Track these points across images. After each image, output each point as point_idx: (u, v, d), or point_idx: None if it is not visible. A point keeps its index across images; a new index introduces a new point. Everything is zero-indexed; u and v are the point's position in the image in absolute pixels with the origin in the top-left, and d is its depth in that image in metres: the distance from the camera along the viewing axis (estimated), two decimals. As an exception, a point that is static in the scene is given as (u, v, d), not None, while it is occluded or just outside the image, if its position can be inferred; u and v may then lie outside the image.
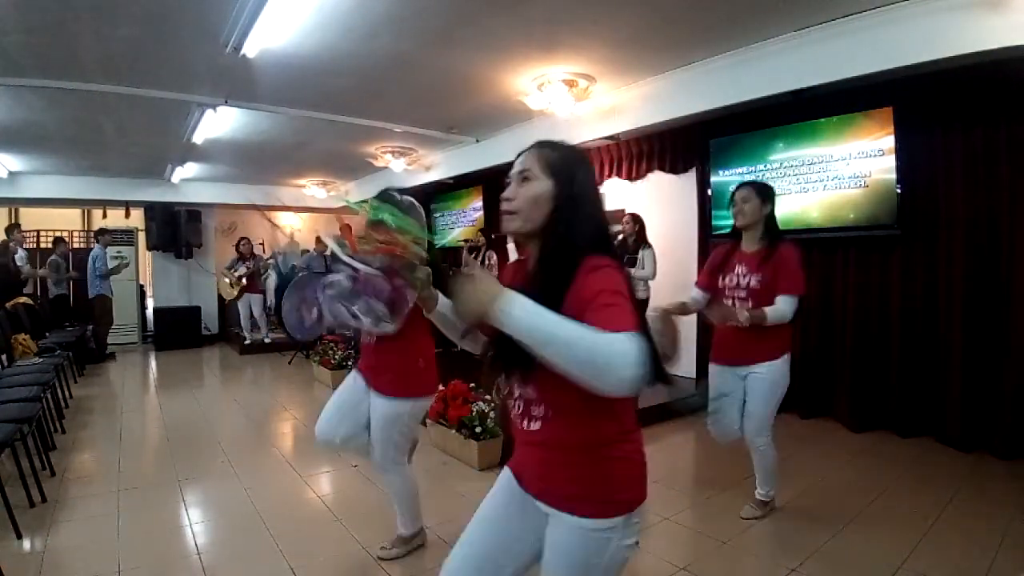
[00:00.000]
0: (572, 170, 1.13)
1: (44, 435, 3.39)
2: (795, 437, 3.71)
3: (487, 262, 6.19)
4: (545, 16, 3.13)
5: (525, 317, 0.91)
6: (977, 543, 2.31)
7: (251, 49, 3.30)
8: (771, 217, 2.44)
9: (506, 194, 1.15)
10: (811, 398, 4.12)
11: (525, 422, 1.15)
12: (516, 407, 1.17)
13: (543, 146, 1.16)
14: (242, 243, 7.44)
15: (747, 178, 4.36)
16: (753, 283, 2.38)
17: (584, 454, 1.09)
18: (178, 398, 5.32)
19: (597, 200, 1.16)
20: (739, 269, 2.43)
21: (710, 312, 2.47)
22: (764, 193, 2.42)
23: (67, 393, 4.70)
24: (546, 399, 1.10)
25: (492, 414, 3.29)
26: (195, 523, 2.67)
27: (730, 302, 2.44)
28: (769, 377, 2.43)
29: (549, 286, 1.03)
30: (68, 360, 5.11)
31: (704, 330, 4.60)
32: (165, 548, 2.41)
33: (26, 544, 2.40)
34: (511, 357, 1.06)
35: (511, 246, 4.37)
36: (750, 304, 2.37)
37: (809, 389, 4.10)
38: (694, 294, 2.59)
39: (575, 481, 1.09)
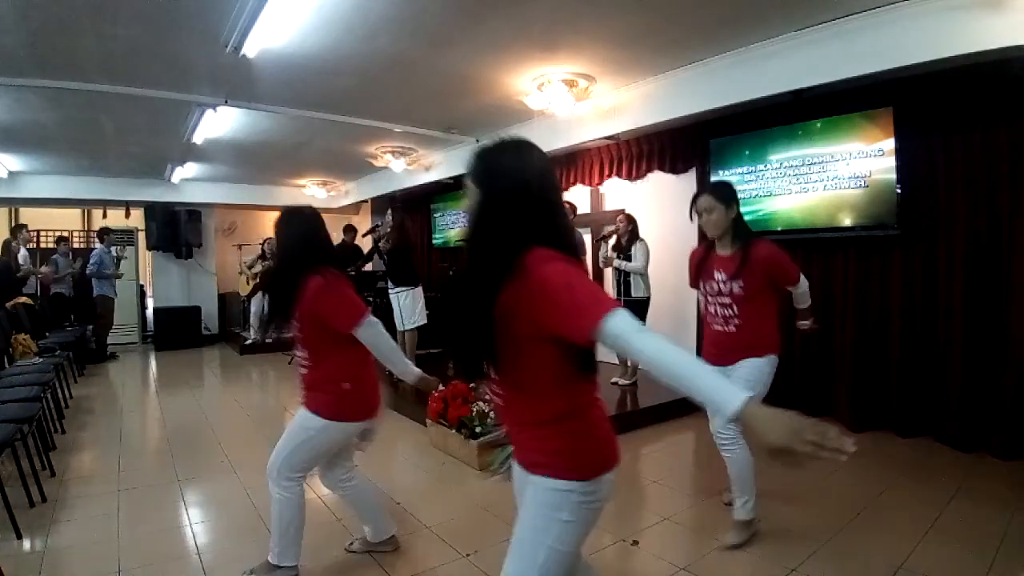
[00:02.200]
0: (490, 175, 1.21)
1: (44, 435, 3.39)
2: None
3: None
4: (545, 16, 3.13)
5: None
6: (977, 543, 2.31)
7: (251, 49, 3.30)
8: (738, 218, 2.38)
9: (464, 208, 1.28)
10: (811, 398, 4.12)
11: (496, 400, 1.31)
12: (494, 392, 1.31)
13: (473, 157, 1.24)
14: (266, 243, 7.64)
15: (747, 178, 4.39)
16: (736, 289, 2.34)
17: (541, 429, 1.22)
18: (178, 398, 5.32)
19: (528, 195, 1.18)
20: (718, 276, 2.39)
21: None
22: (726, 197, 2.35)
23: (67, 393, 4.71)
24: (502, 387, 1.26)
25: (492, 414, 3.29)
26: (195, 523, 2.67)
27: (714, 309, 2.42)
28: (746, 372, 2.34)
29: (481, 278, 1.17)
30: (68, 360, 5.12)
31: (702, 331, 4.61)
32: (165, 548, 2.41)
33: (26, 544, 2.41)
34: (468, 364, 1.27)
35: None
36: (735, 309, 2.36)
37: (809, 389, 4.10)
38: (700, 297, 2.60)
39: (537, 451, 1.24)
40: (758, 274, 2.32)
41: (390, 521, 2.38)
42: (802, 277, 2.47)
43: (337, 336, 1.99)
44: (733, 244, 2.38)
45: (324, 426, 2.03)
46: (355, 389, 2.06)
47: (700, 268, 2.48)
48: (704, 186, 2.54)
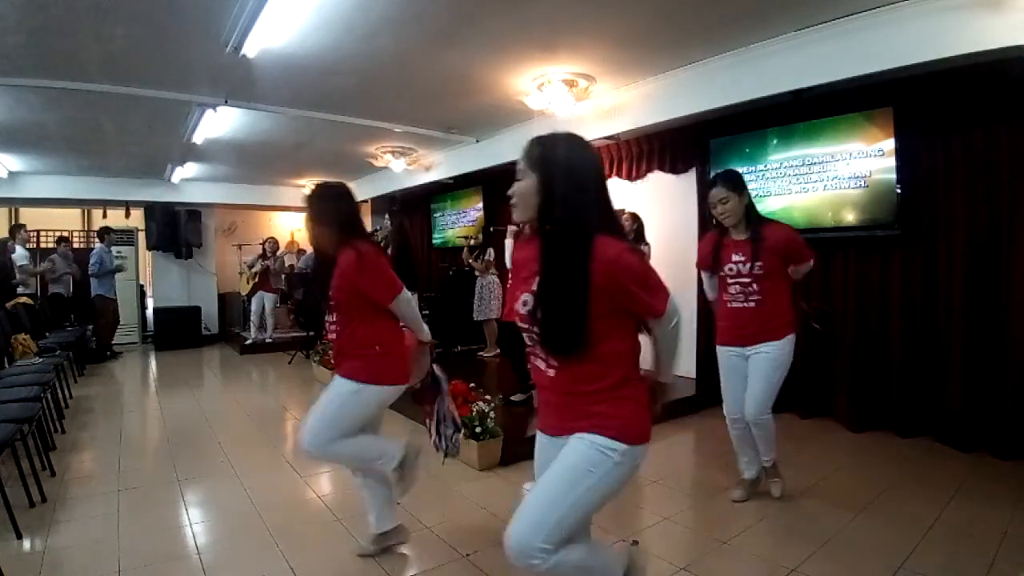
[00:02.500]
0: (551, 163, 1.30)
1: (44, 435, 3.39)
2: (795, 437, 3.71)
3: (486, 259, 6.20)
4: (545, 16, 3.13)
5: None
6: (977, 543, 2.31)
7: (251, 49, 3.30)
8: (750, 203, 2.54)
9: (510, 191, 1.37)
10: (811, 398, 4.12)
11: (550, 369, 1.37)
12: (539, 356, 1.39)
13: (530, 143, 1.35)
14: (268, 242, 7.75)
15: (747, 178, 4.37)
16: (756, 270, 2.48)
17: (598, 394, 1.32)
18: (178, 398, 5.32)
19: (588, 184, 1.31)
20: (736, 258, 2.52)
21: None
22: (737, 186, 2.51)
23: (67, 393, 4.70)
24: (560, 358, 1.34)
25: (492, 414, 3.29)
26: (195, 523, 2.67)
27: (734, 289, 2.55)
28: (770, 356, 2.52)
29: (561, 263, 1.27)
30: (68, 360, 5.12)
31: (706, 330, 4.61)
32: (165, 548, 2.41)
33: (26, 544, 2.41)
34: (561, 339, 1.32)
35: (508, 242, 4.37)
36: (755, 287, 2.49)
37: (809, 389, 4.10)
38: (707, 284, 2.73)
39: (588, 414, 1.33)
40: (775, 254, 2.47)
41: (394, 511, 2.37)
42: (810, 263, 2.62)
43: (371, 304, 2.09)
44: (748, 228, 2.52)
45: (358, 389, 2.09)
46: (386, 352, 2.13)
47: (716, 253, 2.59)
48: (713, 177, 2.63)
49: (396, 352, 2.18)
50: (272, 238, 7.99)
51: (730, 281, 2.56)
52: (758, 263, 2.46)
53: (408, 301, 2.15)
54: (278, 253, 7.73)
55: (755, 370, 2.56)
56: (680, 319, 1.36)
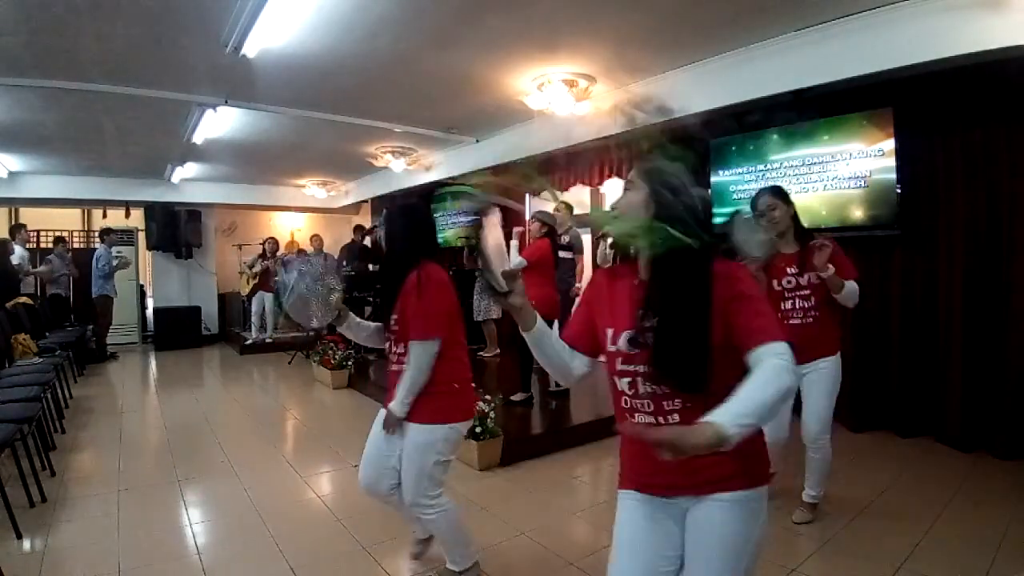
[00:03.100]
0: (666, 175, 1.18)
1: (44, 435, 3.39)
2: (795, 437, 3.69)
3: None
4: (545, 16, 3.13)
5: (743, 422, 0.96)
6: (977, 543, 2.31)
7: (251, 49, 3.30)
8: (796, 216, 2.52)
9: (613, 203, 1.25)
10: (811, 398, 4.12)
11: (659, 419, 1.17)
12: (640, 408, 1.19)
13: (644, 159, 1.24)
14: (267, 242, 7.75)
15: (747, 178, 4.39)
16: (813, 279, 2.44)
17: None
18: (178, 398, 5.32)
19: (697, 204, 1.19)
20: (790, 270, 2.48)
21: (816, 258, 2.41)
22: (785, 196, 2.51)
23: (67, 393, 4.71)
24: (687, 399, 1.14)
25: (492, 414, 3.29)
26: (195, 523, 2.67)
27: (792, 303, 2.49)
28: (829, 372, 2.50)
29: (683, 285, 1.13)
30: (68, 360, 5.12)
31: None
32: (165, 548, 2.41)
33: (26, 544, 2.41)
34: (687, 373, 1.12)
35: (514, 243, 4.38)
36: (813, 301, 2.46)
37: (809, 389, 4.09)
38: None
39: (723, 463, 1.11)
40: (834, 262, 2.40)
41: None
42: (856, 286, 2.45)
43: (449, 340, 1.97)
44: (795, 241, 2.49)
45: (446, 434, 1.97)
46: (463, 390, 2.05)
47: (767, 268, 2.50)
48: (760, 191, 2.59)
49: (469, 387, 2.10)
50: (272, 238, 8.00)
51: (787, 295, 2.48)
52: (813, 274, 2.40)
53: (431, 354, 1.93)
54: (278, 254, 7.74)
55: (813, 387, 2.50)
56: (788, 377, 1.04)
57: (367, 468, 2.08)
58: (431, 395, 1.96)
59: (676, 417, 1.14)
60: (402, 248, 2.04)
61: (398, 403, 1.95)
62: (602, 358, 1.29)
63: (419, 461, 1.95)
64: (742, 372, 1.11)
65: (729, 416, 0.96)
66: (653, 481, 1.21)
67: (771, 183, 4.24)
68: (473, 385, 2.15)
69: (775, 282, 2.51)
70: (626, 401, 1.21)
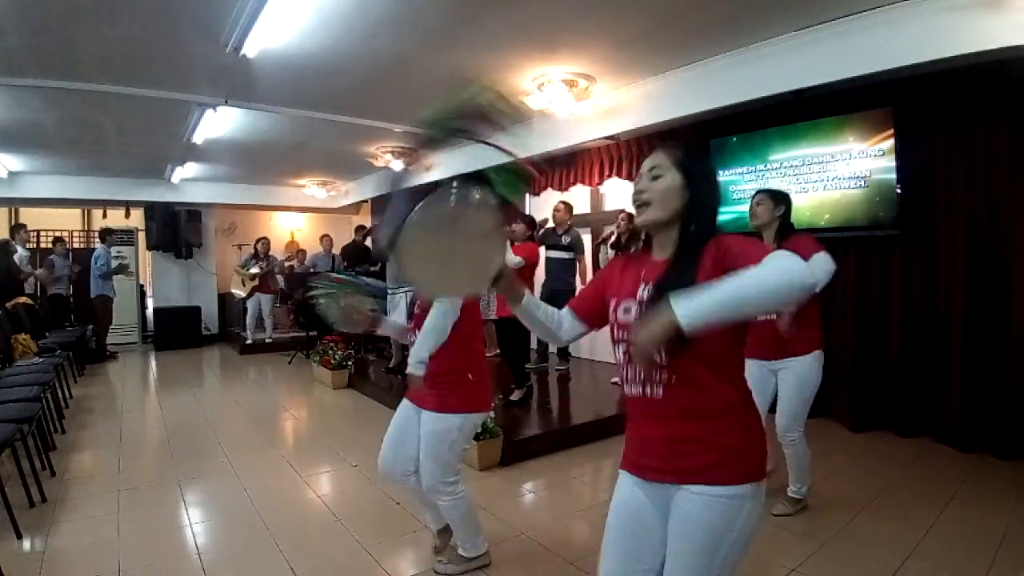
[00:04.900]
0: (696, 165, 1.23)
1: (44, 435, 3.40)
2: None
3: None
4: (545, 16, 3.13)
5: (707, 309, 0.98)
6: (977, 543, 2.31)
7: (251, 49, 3.30)
8: (784, 219, 2.58)
9: (638, 187, 1.26)
10: (811, 398, 4.12)
11: (647, 389, 1.18)
12: (631, 378, 1.21)
13: (669, 147, 1.28)
14: (260, 243, 7.68)
15: (747, 178, 4.40)
16: None
17: (713, 421, 1.13)
18: (178, 398, 5.32)
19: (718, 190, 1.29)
20: None
21: None
22: (777, 198, 2.59)
23: (67, 393, 4.71)
24: (675, 367, 1.14)
25: (492, 414, 3.29)
26: (195, 523, 2.67)
27: None
28: (799, 371, 2.51)
29: (690, 265, 1.15)
30: (68, 360, 5.12)
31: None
32: (165, 548, 2.41)
33: (26, 544, 2.41)
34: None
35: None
36: None
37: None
38: None
39: (706, 451, 1.12)
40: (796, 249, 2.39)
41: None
42: (790, 256, 2.45)
43: (457, 327, 2.01)
44: (775, 240, 2.54)
45: (460, 423, 2.04)
46: (479, 380, 2.09)
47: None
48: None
49: (486, 378, 2.14)
50: (265, 238, 7.91)
51: None
52: None
53: (448, 318, 1.99)
54: (270, 255, 7.72)
55: (783, 385, 2.53)
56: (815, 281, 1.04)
57: (386, 450, 2.15)
58: (445, 384, 2.03)
59: (660, 391, 1.16)
60: None
61: (413, 361, 2.01)
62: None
63: (434, 448, 2.03)
64: (731, 357, 1.16)
65: (685, 307, 0.98)
66: (643, 463, 1.23)
67: (771, 183, 4.27)
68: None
69: None
70: (626, 372, 1.24)
